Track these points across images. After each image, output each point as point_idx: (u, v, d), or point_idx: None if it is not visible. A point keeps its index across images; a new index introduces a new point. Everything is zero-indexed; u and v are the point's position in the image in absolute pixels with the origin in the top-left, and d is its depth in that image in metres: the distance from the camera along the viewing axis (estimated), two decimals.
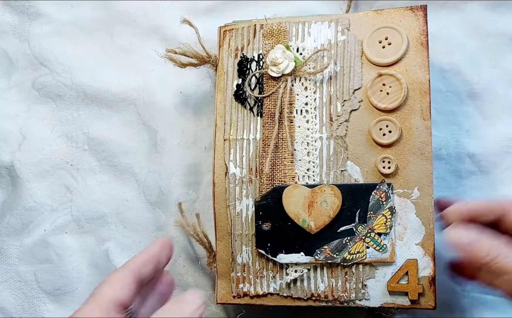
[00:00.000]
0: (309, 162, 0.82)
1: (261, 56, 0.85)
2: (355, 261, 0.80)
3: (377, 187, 0.79)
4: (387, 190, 0.79)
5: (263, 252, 0.82)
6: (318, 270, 0.82)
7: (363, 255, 0.79)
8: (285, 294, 0.83)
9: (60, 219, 0.99)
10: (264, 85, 0.84)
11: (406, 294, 0.79)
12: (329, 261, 0.80)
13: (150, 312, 0.70)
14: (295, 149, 0.82)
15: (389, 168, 0.79)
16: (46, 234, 0.99)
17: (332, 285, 0.81)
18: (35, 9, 1.02)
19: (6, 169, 1.00)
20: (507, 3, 0.93)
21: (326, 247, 0.80)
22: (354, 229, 0.80)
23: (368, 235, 0.79)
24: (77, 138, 1.00)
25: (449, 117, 0.93)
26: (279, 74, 0.83)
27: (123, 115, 1.00)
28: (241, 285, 0.84)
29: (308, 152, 0.82)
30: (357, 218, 0.80)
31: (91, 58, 1.01)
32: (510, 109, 0.92)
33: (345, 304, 0.81)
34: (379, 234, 0.79)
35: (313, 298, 0.82)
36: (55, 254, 0.98)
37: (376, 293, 0.80)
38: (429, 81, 0.79)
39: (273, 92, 0.84)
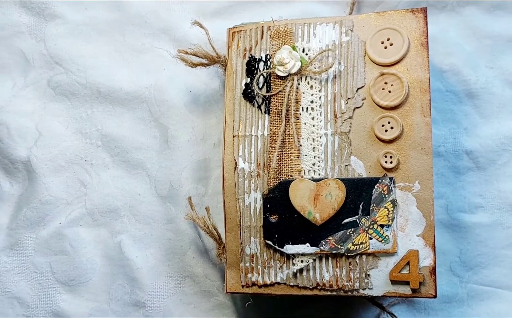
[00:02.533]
0: (314, 157, 0.83)
1: (268, 57, 0.87)
2: (359, 252, 0.81)
3: (380, 180, 0.81)
4: (389, 184, 0.81)
5: (270, 243, 0.84)
6: (323, 260, 0.83)
7: (366, 246, 0.81)
8: (291, 284, 0.84)
9: (75, 212, 1.00)
10: (271, 84, 0.86)
11: (407, 283, 0.80)
12: (333, 252, 0.82)
13: None
14: (301, 145, 0.84)
15: (391, 162, 0.81)
16: (61, 227, 1.00)
17: (337, 275, 0.83)
18: (51, 10, 1.03)
19: (23, 163, 1.01)
20: (503, 7, 0.95)
21: (331, 238, 0.82)
22: (358, 221, 0.81)
23: (371, 226, 0.81)
24: (91, 134, 1.01)
25: (447, 116, 0.96)
26: (286, 74, 0.85)
27: (135, 112, 1.01)
28: (249, 275, 0.86)
29: (314, 148, 0.84)
30: (360, 210, 0.81)
31: (105, 58, 1.03)
32: (506, 108, 0.94)
33: (349, 293, 0.83)
34: (382, 226, 0.81)
35: (319, 287, 0.83)
36: (70, 246, 1.00)
37: (379, 282, 0.82)
38: (429, 79, 0.81)
39: (280, 91, 0.85)
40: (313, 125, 0.84)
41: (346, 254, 0.82)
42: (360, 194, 0.82)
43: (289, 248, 0.84)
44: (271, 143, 0.85)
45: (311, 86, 0.85)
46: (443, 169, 0.95)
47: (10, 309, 0.99)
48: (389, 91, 0.82)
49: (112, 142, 1.01)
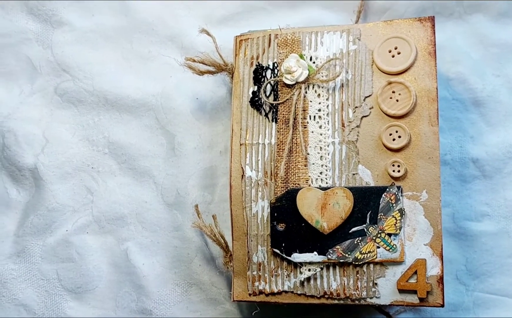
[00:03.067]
0: (322, 165, 0.84)
1: (275, 65, 0.87)
2: (366, 261, 0.81)
3: (387, 189, 0.81)
4: (396, 193, 0.81)
5: (278, 251, 0.84)
6: (331, 269, 0.83)
7: (374, 255, 0.81)
8: (299, 292, 0.84)
9: (82, 220, 1.00)
10: (278, 92, 0.86)
11: (415, 292, 0.80)
12: (341, 260, 0.82)
13: None
14: (308, 154, 0.84)
15: (398, 171, 0.81)
16: (68, 234, 1.00)
17: (344, 284, 0.83)
18: (58, 17, 1.04)
19: (30, 171, 1.01)
20: (510, 15, 0.96)
21: (338, 247, 0.82)
22: (365, 230, 0.81)
23: (379, 235, 0.81)
24: (98, 142, 1.02)
25: (454, 124, 0.96)
26: (293, 82, 0.85)
27: (142, 120, 1.01)
28: (256, 283, 0.86)
29: (321, 156, 0.84)
30: (368, 219, 0.81)
31: (112, 65, 1.03)
32: None
33: (357, 301, 0.83)
34: (389, 235, 0.81)
35: (326, 296, 0.84)
36: (77, 253, 1.00)
37: (386, 291, 0.82)
38: (437, 89, 0.81)
39: (287, 99, 0.85)
40: (321, 134, 0.84)
41: (353, 262, 0.82)
42: (367, 203, 0.82)
43: (297, 257, 0.84)
44: (278, 151, 0.86)
45: (319, 95, 0.85)
46: (449, 177, 0.95)
47: (17, 316, 0.99)
48: (397, 100, 0.82)
49: (119, 149, 1.01)
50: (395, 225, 0.81)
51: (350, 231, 0.82)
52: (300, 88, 0.85)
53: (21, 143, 1.01)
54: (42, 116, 1.03)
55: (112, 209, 1.01)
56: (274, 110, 0.86)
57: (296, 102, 0.85)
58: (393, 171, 0.81)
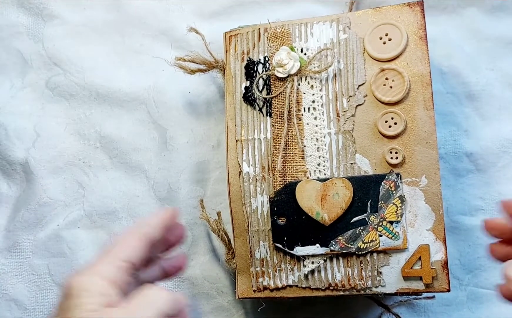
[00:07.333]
0: (319, 157, 0.83)
1: (267, 58, 0.87)
2: (369, 250, 0.81)
3: (386, 177, 0.81)
4: (396, 180, 0.81)
5: (280, 246, 0.84)
6: (334, 260, 0.83)
7: (377, 243, 0.81)
8: (303, 286, 0.84)
9: (73, 214, 1.00)
10: (271, 86, 0.86)
11: (420, 278, 0.80)
12: (344, 251, 0.82)
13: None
14: (305, 146, 0.84)
15: (396, 158, 0.81)
16: (59, 229, 1.00)
17: (349, 274, 0.83)
18: (49, 11, 1.03)
19: (20, 165, 1.01)
20: (504, 8, 0.95)
21: (340, 237, 0.82)
22: (367, 219, 0.81)
23: (380, 223, 0.81)
24: (90, 136, 1.01)
25: (448, 118, 0.96)
26: (286, 75, 0.84)
27: (134, 114, 1.01)
28: (260, 279, 0.86)
29: (318, 148, 0.84)
30: (368, 208, 0.81)
31: (103, 59, 1.02)
32: (507, 110, 0.95)
33: (362, 291, 0.83)
34: (391, 222, 0.81)
35: (331, 288, 0.83)
36: (68, 247, 0.99)
37: (391, 279, 0.82)
38: (430, 73, 0.81)
39: (280, 92, 0.85)
40: (316, 125, 0.84)
41: (356, 252, 0.82)
42: (367, 192, 0.82)
43: (299, 250, 0.84)
44: (274, 145, 0.85)
45: (312, 86, 0.85)
46: (443, 171, 0.95)
47: (8, 311, 0.99)
48: (391, 87, 0.82)
49: (110, 143, 1.01)
50: (396, 212, 0.81)
51: (351, 221, 0.82)
52: (293, 80, 0.85)
53: (11, 137, 1.01)
54: (33, 110, 1.03)
55: (103, 203, 1.00)
56: (268, 104, 0.86)
57: (289, 95, 0.85)
58: (391, 158, 0.81)
